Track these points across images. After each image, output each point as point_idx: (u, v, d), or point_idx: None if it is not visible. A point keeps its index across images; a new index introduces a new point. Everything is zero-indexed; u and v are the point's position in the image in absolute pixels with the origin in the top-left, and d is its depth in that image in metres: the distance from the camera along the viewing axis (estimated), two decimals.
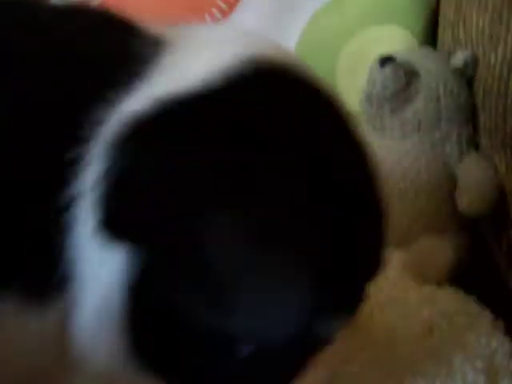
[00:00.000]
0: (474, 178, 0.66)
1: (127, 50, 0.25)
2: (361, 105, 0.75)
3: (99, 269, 0.25)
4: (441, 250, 0.65)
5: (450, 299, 0.56)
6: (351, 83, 0.82)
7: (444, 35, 0.81)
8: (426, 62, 0.73)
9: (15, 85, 0.23)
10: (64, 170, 0.23)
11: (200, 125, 0.23)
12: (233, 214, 0.23)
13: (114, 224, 0.23)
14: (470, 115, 0.71)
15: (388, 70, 0.69)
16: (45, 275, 0.25)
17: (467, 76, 0.72)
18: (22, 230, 0.24)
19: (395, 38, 0.84)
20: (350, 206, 0.27)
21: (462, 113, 0.70)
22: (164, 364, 0.26)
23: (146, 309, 0.25)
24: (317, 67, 0.83)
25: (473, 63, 0.71)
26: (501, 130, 0.65)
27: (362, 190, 0.28)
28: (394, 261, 0.67)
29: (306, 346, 0.28)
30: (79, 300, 0.25)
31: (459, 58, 0.72)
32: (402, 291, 0.59)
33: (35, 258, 0.24)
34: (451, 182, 0.69)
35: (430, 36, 0.85)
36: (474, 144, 0.71)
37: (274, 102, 0.25)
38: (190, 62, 0.26)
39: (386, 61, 0.70)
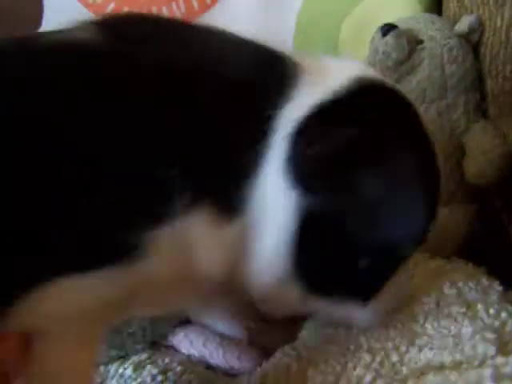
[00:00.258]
0: (481, 146, 0.64)
1: (277, 70, 0.38)
2: None
3: (280, 201, 0.36)
4: (450, 222, 0.64)
5: (459, 271, 0.55)
6: (354, 53, 0.81)
7: (449, 2, 0.79)
8: (429, 28, 0.70)
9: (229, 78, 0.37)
10: (262, 133, 0.36)
11: (346, 115, 0.37)
12: (377, 169, 0.37)
13: (296, 175, 0.36)
14: (477, 82, 0.69)
15: (390, 38, 0.67)
16: (236, 196, 0.36)
17: (473, 41, 0.69)
18: (229, 159, 0.36)
19: (399, 6, 0.82)
20: (436, 174, 0.41)
21: (468, 80, 0.68)
22: (313, 276, 0.39)
23: (311, 234, 0.37)
24: (319, 37, 0.83)
25: (478, 28, 0.69)
26: (508, 96, 0.63)
27: (435, 163, 0.42)
28: None
29: (403, 257, 0.42)
30: (260, 223, 0.37)
31: (464, 22, 0.69)
32: (411, 264, 0.58)
33: (235, 181, 0.36)
34: (459, 152, 0.68)
35: (436, 2, 0.82)
36: (481, 111, 0.69)
37: (381, 106, 0.40)
38: (322, 80, 0.39)
39: (387, 29, 0.68)
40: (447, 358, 0.42)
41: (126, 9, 0.82)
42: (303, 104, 0.37)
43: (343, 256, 0.39)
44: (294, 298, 0.40)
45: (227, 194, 0.36)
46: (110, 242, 0.33)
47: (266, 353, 0.50)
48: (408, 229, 0.40)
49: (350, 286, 0.41)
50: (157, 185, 0.34)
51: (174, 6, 0.84)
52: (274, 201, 0.37)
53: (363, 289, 0.42)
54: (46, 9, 0.81)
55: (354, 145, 0.37)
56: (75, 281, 0.33)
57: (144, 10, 0.83)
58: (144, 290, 0.36)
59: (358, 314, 0.43)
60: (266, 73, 0.38)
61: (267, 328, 0.54)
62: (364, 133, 0.37)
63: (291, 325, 0.54)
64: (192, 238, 0.35)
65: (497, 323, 0.46)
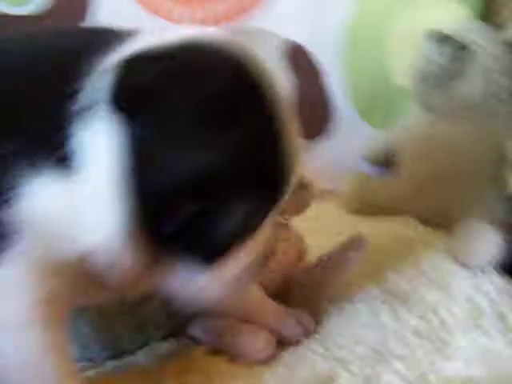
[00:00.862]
0: None
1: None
2: (410, 81, 0.73)
3: (107, 143, 0.38)
4: (486, 235, 0.63)
5: (494, 284, 0.54)
6: (402, 57, 0.80)
7: (500, 9, 0.78)
8: (476, 36, 0.69)
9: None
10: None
11: (154, 58, 0.40)
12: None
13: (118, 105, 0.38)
14: None
15: (436, 45, 0.67)
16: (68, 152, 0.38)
17: None
18: None
19: (446, 12, 0.82)
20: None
21: None
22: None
23: (137, 171, 0.37)
24: (367, 38, 0.83)
25: None
26: None
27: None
28: (437, 243, 0.65)
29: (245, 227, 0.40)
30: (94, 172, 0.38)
31: None
32: (445, 275, 0.58)
33: None
34: (500, 162, 0.66)
35: (483, 9, 0.81)
36: None
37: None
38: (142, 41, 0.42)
39: (434, 36, 0.67)
40: (476, 371, 0.41)
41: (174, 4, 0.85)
42: (121, 54, 0.40)
43: (169, 196, 0.38)
44: (136, 258, 0.39)
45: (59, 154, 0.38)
46: None
47: (283, 342, 0.50)
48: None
49: (185, 238, 0.39)
50: None
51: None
52: (103, 146, 0.38)
53: (200, 246, 0.39)
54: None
55: (161, 76, 0.39)
56: None
57: (193, 5, 0.85)
58: None
59: (202, 281, 0.40)
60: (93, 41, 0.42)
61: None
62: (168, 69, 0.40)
63: (311, 307, 0.53)
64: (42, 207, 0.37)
65: None
